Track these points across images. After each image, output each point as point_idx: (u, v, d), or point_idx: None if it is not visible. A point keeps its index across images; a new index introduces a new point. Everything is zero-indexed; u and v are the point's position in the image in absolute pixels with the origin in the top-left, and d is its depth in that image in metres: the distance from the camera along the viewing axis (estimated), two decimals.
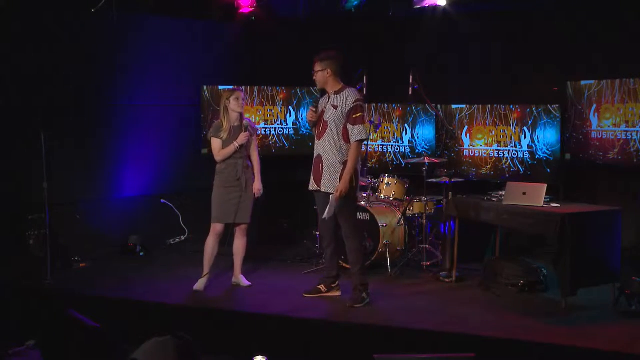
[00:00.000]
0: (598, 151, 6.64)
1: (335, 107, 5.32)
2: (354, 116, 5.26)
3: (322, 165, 5.38)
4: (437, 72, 7.62)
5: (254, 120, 7.87)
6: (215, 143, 5.78)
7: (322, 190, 5.37)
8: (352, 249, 5.42)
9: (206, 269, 5.80)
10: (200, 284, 5.76)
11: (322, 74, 5.38)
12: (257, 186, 5.87)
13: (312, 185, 5.49)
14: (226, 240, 6.01)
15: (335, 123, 5.31)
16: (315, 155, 5.47)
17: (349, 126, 5.28)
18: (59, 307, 5.16)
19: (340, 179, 5.28)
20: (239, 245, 5.88)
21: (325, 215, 5.30)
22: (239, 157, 5.78)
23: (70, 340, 2.90)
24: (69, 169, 6.83)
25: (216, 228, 5.80)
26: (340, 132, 5.31)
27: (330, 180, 5.33)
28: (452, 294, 5.75)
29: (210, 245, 5.79)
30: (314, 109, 5.48)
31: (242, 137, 5.73)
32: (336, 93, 5.38)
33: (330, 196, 5.28)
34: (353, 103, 5.28)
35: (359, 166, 5.45)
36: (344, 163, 5.30)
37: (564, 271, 5.16)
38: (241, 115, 5.82)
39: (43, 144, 5.98)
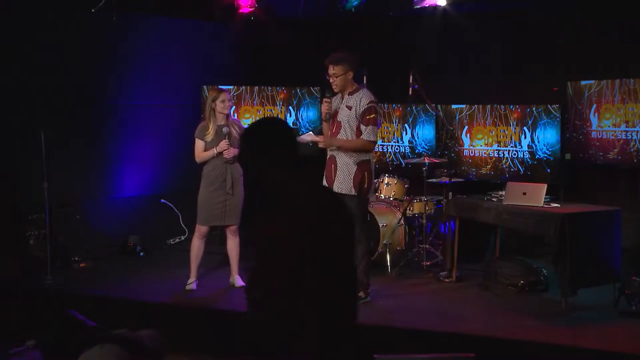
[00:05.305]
0: (598, 151, 6.64)
1: (350, 108, 5.28)
2: (367, 117, 5.24)
3: (336, 166, 5.34)
4: (437, 72, 7.61)
5: (253, 120, 7.86)
6: (198, 144, 5.75)
7: (335, 191, 5.28)
8: (359, 251, 5.38)
9: (193, 269, 5.85)
10: (190, 284, 5.83)
11: (344, 78, 5.27)
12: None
13: None
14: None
15: (349, 123, 5.28)
16: (327, 156, 5.43)
17: (362, 126, 5.25)
18: (59, 307, 5.15)
19: (354, 180, 5.25)
20: (232, 245, 5.87)
21: None
22: (226, 160, 5.72)
23: (70, 340, 2.90)
24: (69, 169, 6.82)
25: (201, 229, 5.81)
26: (354, 133, 5.28)
27: (344, 181, 5.30)
28: (452, 294, 5.75)
29: (196, 245, 5.83)
30: (329, 101, 5.37)
31: (222, 145, 5.66)
32: (350, 94, 5.34)
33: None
34: (367, 104, 5.25)
35: (373, 168, 5.42)
36: (358, 164, 5.28)
37: (564, 271, 5.16)
38: (227, 117, 5.77)
39: (43, 144, 5.99)
